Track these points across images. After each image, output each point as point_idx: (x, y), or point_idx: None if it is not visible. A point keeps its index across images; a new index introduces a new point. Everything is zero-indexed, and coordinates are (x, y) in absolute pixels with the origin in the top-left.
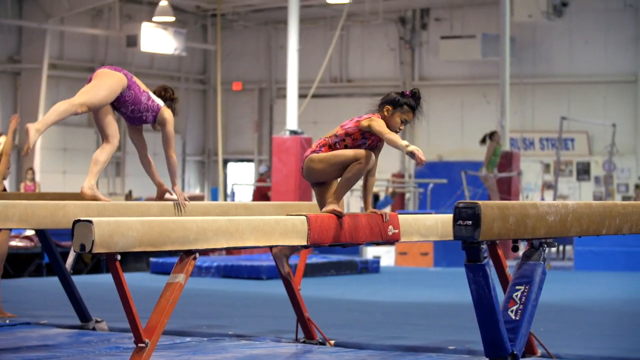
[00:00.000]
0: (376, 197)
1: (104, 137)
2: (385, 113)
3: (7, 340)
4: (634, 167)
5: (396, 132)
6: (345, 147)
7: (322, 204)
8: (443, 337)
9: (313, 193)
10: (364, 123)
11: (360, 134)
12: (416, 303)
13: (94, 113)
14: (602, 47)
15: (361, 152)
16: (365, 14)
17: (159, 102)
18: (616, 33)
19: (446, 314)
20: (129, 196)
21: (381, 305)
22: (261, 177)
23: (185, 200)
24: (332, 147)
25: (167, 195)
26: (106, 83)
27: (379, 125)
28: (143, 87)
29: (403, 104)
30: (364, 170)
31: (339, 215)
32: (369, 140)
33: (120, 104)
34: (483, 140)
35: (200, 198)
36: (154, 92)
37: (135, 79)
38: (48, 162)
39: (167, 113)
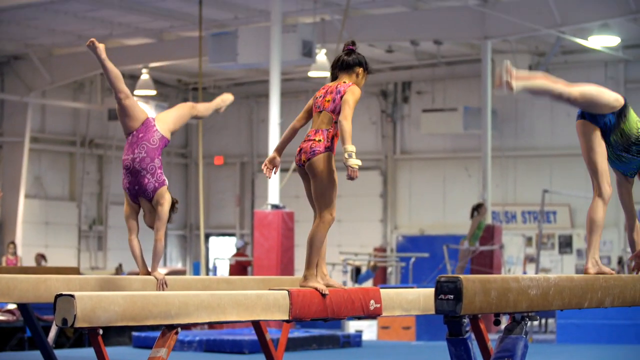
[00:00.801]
0: (357, 270)
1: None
2: (357, 77)
3: None
4: (616, 240)
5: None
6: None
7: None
8: None
9: (295, 266)
10: (346, 97)
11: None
12: None
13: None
14: None
15: (334, 211)
16: None
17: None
18: None
19: None
20: (119, 269)
21: None
22: (238, 252)
23: (165, 285)
24: (334, 135)
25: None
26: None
27: (353, 101)
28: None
29: (368, 68)
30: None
31: (322, 294)
32: None
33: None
34: (472, 214)
35: (182, 272)
36: None
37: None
38: (30, 236)
39: (168, 193)
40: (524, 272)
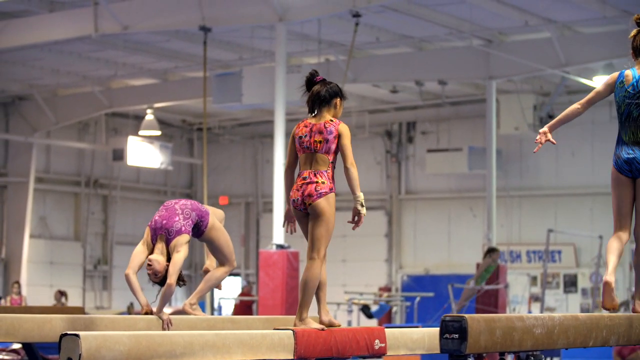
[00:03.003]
0: (367, 307)
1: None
2: (335, 108)
3: None
4: (620, 279)
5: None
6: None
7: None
8: None
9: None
10: (345, 142)
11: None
12: None
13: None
14: (588, 159)
15: (323, 266)
16: (351, 127)
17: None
18: (602, 145)
19: None
20: (130, 308)
21: None
22: (244, 291)
23: (170, 324)
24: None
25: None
26: None
27: (350, 143)
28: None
29: (343, 95)
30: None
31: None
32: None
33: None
34: (485, 256)
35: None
36: None
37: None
38: (34, 276)
39: (186, 246)
40: (529, 312)
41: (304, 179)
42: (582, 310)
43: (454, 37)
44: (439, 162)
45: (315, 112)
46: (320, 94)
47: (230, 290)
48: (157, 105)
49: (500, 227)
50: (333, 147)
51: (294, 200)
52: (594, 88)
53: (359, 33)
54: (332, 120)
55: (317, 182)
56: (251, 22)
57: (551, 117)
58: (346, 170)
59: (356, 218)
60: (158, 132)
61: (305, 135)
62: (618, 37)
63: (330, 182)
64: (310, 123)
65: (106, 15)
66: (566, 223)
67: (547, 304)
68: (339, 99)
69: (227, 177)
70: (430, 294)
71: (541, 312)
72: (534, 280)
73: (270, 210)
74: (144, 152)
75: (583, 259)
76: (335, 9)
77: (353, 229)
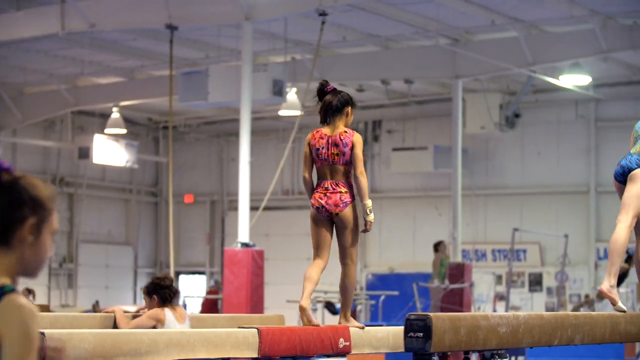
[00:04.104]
0: (331, 304)
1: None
2: (347, 116)
3: None
4: (586, 278)
5: None
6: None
7: (319, 243)
8: None
9: (265, 304)
10: (357, 151)
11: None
12: None
13: None
14: (554, 158)
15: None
16: (315, 125)
17: None
18: (568, 144)
19: None
20: (96, 306)
21: None
22: (211, 289)
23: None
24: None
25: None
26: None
27: (361, 153)
28: None
29: (354, 103)
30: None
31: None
32: None
33: None
34: (435, 252)
35: None
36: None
37: None
38: None
39: None
40: (494, 310)
41: (326, 189)
42: (547, 309)
43: (421, 36)
44: (404, 161)
45: (328, 122)
46: (332, 104)
47: (195, 288)
48: (123, 103)
49: (466, 226)
50: (349, 158)
51: (317, 207)
52: (560, 87)
53: (325, 32)
54: (346, 132)
55: (340, 192)
56: (217, 20)
57: (517, 116)
58: (355, 178)
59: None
60: (124, 131)
61: (323, 147)
62: (585, 36)
63: (350, 190)
64: (325, 134)
65: (73, 13)
66: (531, 222)
67: (512, 302)
68: (350, 107)
69: (192, 176)
70: (395, 293)
71: (506, 310)
72: (499, 279)
73: (236, 209)
74: (109, 150)
75: (548, 258)
76: (301, 8)
77: (362, 231)
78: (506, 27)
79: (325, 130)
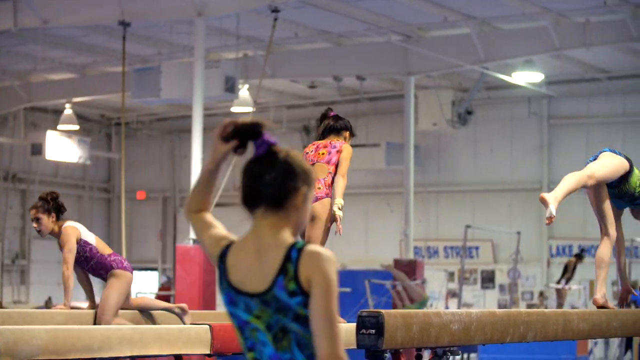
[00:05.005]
0: None
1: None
2: (344, 140)
3: None
4: (538, 275)
5: None
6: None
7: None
8: None
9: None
10: (344, 155)
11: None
12: None
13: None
14: (507, 155)
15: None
16: (268, 122)
17: None
18: (521, 141)
19: None
20: (48, 302)
21: None
22: (163, 286)
23: None
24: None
25: None
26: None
27: (349, 159)
28: None
29: (353, 132)
30: None
31: None
32: None
33: None
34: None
35: None
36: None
37: None
38: None
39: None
40: (446, 307)
41: None
42: (500, 306)
43: (373, 33)
44: (356, 157)
45: (324, 138)
46: (331, 125)
47: (148, 285)
48: (76, 99)
49: (418, 223)
50: (334, 159)
51: None
52: (512, 84)
53: (277, 28)
54: (338, 140)
55: (317, 187)
56: (170, 17)
57: (469, 113)
58: (336, 177)
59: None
60: (76, 127)
61: (312, 151)
62: (538, 33)
63: (326, 189)
64: (317, 143)
65: (26, 10)
66: (484, 219)
67: (465, 299)
68: (348, 133)
69: (144, 172)
70: (347, 290)
71: (458, 308)
72: (451, 276)
73: None
74: (62, 147)
75: (501, 255)
76: (254, 4)
77: (337, 232)
78: (459, 23)
79: (319, 142)
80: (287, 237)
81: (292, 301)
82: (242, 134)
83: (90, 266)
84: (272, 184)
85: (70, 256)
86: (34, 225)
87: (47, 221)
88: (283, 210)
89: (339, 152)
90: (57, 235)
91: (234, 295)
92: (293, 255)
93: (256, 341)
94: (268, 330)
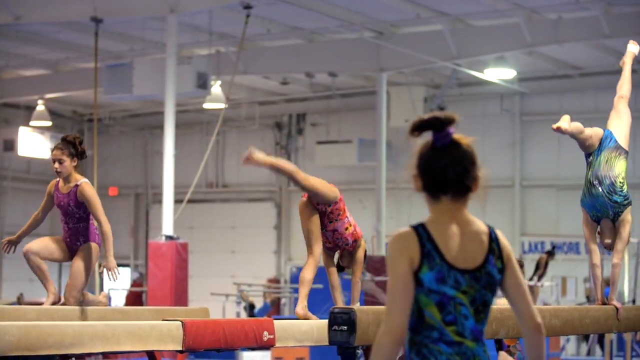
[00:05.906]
0: (252, 305)
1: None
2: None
3: None
4: None
5: None
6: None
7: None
8: None
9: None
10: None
11: None
12: None
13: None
14: (479, 151)
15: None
16: (241, 119)
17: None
18: (493, 138)
19: None
20: (20, 298)
21: None
22: (135, 283)
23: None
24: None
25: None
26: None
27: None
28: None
29: None
30: None
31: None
32: None
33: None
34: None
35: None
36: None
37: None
38: None
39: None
40: None
41: None
42: None
43: (345, 29)
44: (328, 154)
45: None
46: None
47: (120, 281)
48: (48, 96)
49: (390, 219)
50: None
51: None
52: (484, 81)
53: (249, 24)
54: None
55: None
56: (142, 13)
57: (442, 109)
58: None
59: None
60: (49, 123)
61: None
62: (509, 30)
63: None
64: None
65: None
66: None
67: None
68: None
69: (117, 168)
70: (320, 286)
71: None
72: None
73: (160, 202)
74: (34, 143)
75: None
76: (226, 1)
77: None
78: (431, 20)
79: None
80: (477, 219)
81: (498, 277)
82: (431, 126)
83: (77, 227)
84: (462, 172)
85: (102, 210)
86: (56, 165)
87: (69, 165)
88: (468, 195)
89: (355, 240)
90: (68, 181)
91: (446, 271)
92: (493, 236)
93: (459, 315)
94: (471, 304)
